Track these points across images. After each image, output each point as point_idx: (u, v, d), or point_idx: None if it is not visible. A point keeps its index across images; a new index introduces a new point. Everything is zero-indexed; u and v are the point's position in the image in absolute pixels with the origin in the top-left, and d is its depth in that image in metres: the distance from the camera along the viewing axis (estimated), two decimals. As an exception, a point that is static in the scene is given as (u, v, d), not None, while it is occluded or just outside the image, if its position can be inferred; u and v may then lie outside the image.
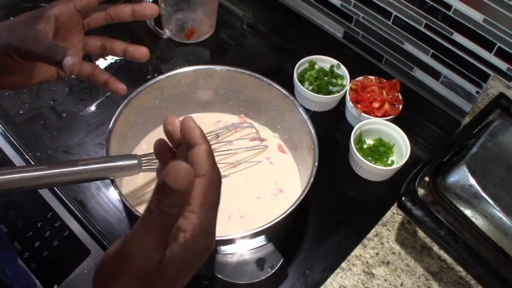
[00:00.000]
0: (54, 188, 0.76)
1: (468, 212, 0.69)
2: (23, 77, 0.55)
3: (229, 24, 1.06)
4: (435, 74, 0.95)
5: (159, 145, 0.46)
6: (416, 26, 0.90)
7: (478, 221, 0.69)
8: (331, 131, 0.90)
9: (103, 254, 0.39)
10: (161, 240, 0.36)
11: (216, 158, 0.78)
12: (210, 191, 0.39)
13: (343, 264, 0.73)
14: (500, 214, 0.67)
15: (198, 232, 0.38)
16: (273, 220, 0.60)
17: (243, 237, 0.59)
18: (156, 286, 0.37)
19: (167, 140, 0.46)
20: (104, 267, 0.38)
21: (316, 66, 0.93)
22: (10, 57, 0.50)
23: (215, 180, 0.40)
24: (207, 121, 0.83)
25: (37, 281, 0.69)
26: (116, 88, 0.60)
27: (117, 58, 0.96)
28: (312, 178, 0.64)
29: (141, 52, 0.59)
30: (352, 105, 0.86)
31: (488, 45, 0.82)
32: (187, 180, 0.35)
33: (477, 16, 0.80)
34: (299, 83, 0.89)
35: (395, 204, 0.78)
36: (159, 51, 1.00)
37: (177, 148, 0.46)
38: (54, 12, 0.52)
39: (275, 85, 0.75)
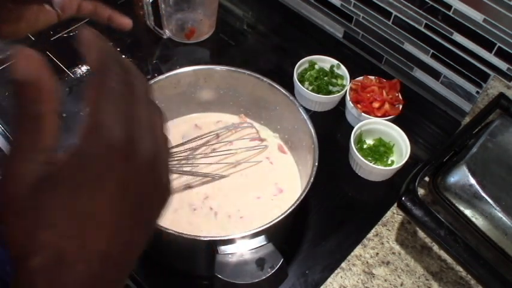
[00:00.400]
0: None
1: (468, 212, 0.69)
2: (23, 24, 0.54)
3: (229, 24, 1.06)
4: (435, 74, 0.95)
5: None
6: (416, 26, 0.90)
7: (478, 221, 0.69)
8: (331, 131, 0.90)
9: None
10: (36, 152, 0.27)
11: (216, 158, 0.79)
12: (105, 82, 0.29)
13: (343, 264, 0.73)
14: (500, 214, 0.67)
15: (93, 130, 0.28)
16: (273, 220, 0.60)
17: (243, 237, 0.59)
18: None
19: None
20: None
21: (316, 66, 0.93)
22: (3, 4, 0.49)
23: (111, 68, 0.29)
24: (207, 121, 0.83)
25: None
26: (121, 23, 0.58)
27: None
28: (312, 178, 0.64)
29: (122, 20, 0.57)
30: (352, 105, 0.86)
31: (488, 45, 0.82)
32: (34, 67, 0.27)
33: (477, 16, 0.80)
34: (299, 83, 0.89)
35: (395, 204, 0.78)
36: (159, 51, 1.00)
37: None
38: None
39: (275, 85, 0.75)
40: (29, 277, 0.26)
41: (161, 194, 0.30)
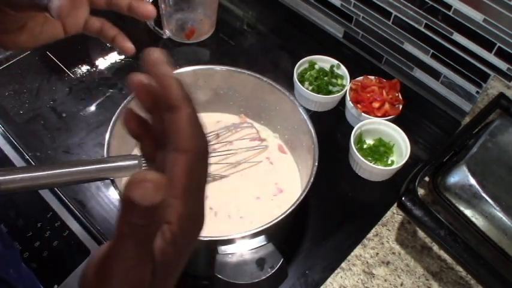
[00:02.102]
0: (54, 188, 0.76)
1: (468, 212, 0.69)
2: (25, 35, 0.53)
3: (229, 24, 1.06)
4: (435, 74, 0.95)
5: (127, 119, 0.36)
6: (416, 26, 0.90)
7: (478, 221, 0.69)
8: (331, 131, 0.90)
9: (88, 260, 0.34)
10: (145, 250, 0.31)
11: (216, 158, 0.79)
12: (196, 170, 0.32)
13: (343, 264, 0.73)
14: (500, 214, 0.67)
15: (186, 221, 0.33)
16: (273, 220, 0.60)
17: (243, 237, 0.59)
18: None
19: (137, 109, 0.36)
20: (90, 275, 0.33)
21: (316, 66, 0.93)
22: (1, 10, 0.47)
23: (201, 155, 0.33)
24: (207, 121, 0.83)
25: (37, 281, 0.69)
26: (123, 46, 0.57)
27: (118, 58, 0.96)
28: (312, 178, 0.64)
29: (145, 9, 0.54)
30: (352, 105, 0.86)
31: (488, 45, 0.82)
32: (160, 195, 0.27)
33: (477, 16, 0.80)
34: (299, 83, 0.89)
35: (395, 204, 0.78)
36: (159, 51, 1.00)
37: (152, 113, 0.36)
38: None
39: (275, 85, 0.74)
40: None
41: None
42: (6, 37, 0.52)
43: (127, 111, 0.36)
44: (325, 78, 0.91)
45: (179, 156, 0.31)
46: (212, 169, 0.76)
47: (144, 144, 0.38)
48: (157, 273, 0.32)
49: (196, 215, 0.35)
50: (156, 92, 0.32)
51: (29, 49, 0.53)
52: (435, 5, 0.85)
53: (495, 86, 0.84)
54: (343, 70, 0.92)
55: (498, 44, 0.81)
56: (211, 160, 0.78)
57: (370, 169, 0.80)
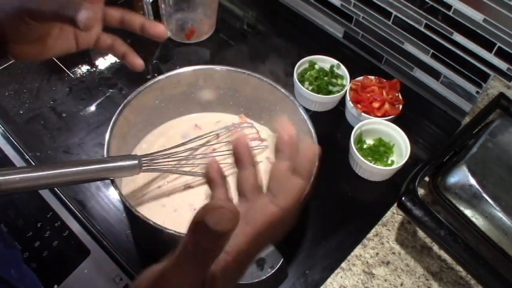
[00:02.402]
0: (54, 188, 0.76)
1: (468, 212, 0.69)
2: (39, 47, 0.53)
3: (229, 24, 1.06)
4: (435, 74, 0.95)
5: (211, 168, 0.44)
6: (416, 26, 0.90)
7: (478, 221, 0.69)
8: (331, 131, 0.90)
9: (135, 282, 0.37)
10: (202, 272, 0.34)
11: (217, 158, 0.79)
12: (278, 224, 0.37)
13: (343, 264, 0.73)
14: (500, 214, 0.67)
15: (241, 257, 0.36)
16: (273, 220, 0.60)
17: (243, 237, 0.59)
18: None
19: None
20: None
21: (316, 66, 0.93)
22: (22, 20, 0.48)
23: (288, 216, 0.38)
24: (207, 121, 0.83)
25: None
26: (133, 63, 0.58)
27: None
28: (312, 178, 0.64)
29: (158, 29, 0.56)
30: (352, 105, 0.86)
31: (488, 45, 0.82)
32: (232, 224, 0.30)
33: (477, 16, 0.80)
34: (299, 83, 0.89)
35: (395, 204, 0.78)
36: (159, 51, 1.00)
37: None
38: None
39: (275, 85, 0.75)
40: None
41: None
42: (20, 48, 0.52)
43: (213, 165, 0.43)
44: (325, 78, 0.91)
45: (272, 207, 0.37)
46: (212, 169, 0.76)
47: (218, 191, 0.44)
48: None
49: (250, 256, 0.36)
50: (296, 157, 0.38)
51: (39, 61, 0.54)
52: (435, 5, 0.85)
53: (495, 86, 0.84)
54: (343, 70, 0.92)
55: (498, 44, 0.81)
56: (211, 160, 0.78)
57: (370, 169, 0.80)
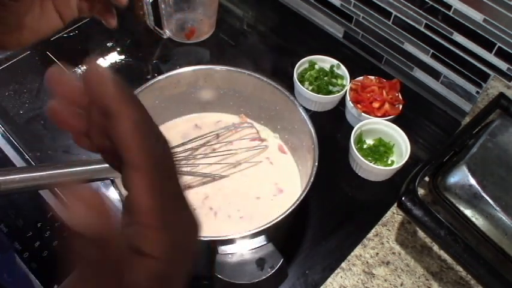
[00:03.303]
0: (54, 188, 0.76)
1: (468, 212, 0.69)
2: (27, 32, 0.53)
3: (229, 24, 1.06)
4: (435, 74, 0.95)
5: (53, 112, 0.28)
6: (416, 26, 0.90)
7: (478, 221, 0.69)
8: (331, 131, 0.90)
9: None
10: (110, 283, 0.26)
11: (216, 158, 0.79)
12: (160, 186, 0.26)
13: (343, 264, 0.73)
14: (500, 214, 0.67)
15: (168, 251, 0.27)
16: (273, 220, 0.60)
17: (243, 237, 0.59)
18: None
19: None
20: None
21: (316, 66, 0.93)
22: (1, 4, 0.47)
23: (162, 167, 0.27)
24: (207, 121, 0.83)
25: (37, 281, 0.69)
26: (105, 20, 0.58)
27: (118, 58, 0.96)
28: (312, 178, 0.64)
29: (109, 20, 0.57)
30: (352, 105, 0.86)
31: (488, 45, 0.82)
32: (108, 220, 0.24)
33: (477, 16, 0.80)
34: (299, 83, 0.89)
35: (395, 204, 0.78)
36: (159, 51, 1.00)
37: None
38: None
39: (275, 85, 0.75)
40: None
41: None
42: (8, 37, 0.52)
43: (52, 108, 0.28)
44: (325, 78, 0.91)
45: (134, 174, 0.26)
46: (212, 169, 0.76)
47: (105, 157, 0.30)
48: None
49: (180, 239, 0.28)
50: (89, 92, 0.26)
51: (30, 45, 0.53)
52: (435, 5, 0.85)
53: (495, 86, 0.84)
54: (343, 70, 0.92)
55: (498, 44, 0.81)
56: (211, 160, 0.78)
57: (370, 169, 0.80)
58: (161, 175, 0.26)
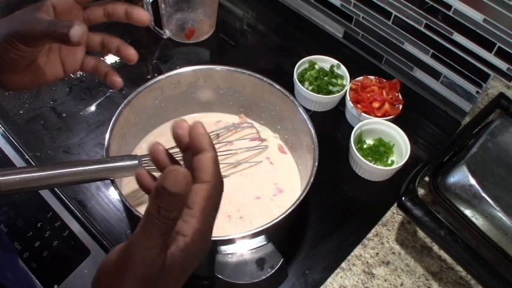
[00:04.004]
0: (54, 188, 0.76)
1: (468, 212, 0.69)
2: (31, 76, 0.54)
3: (229, 24, 1.06)
4: (435, 74, 0.95)
5: (156, 150, 0.45)
6: (416, 26, 0.90)
7: (478, 221, 0.69)
8: (331, 131, 0.90)
9: (103, 259, 0.39)
10: (163, 244, 0.37)
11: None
12: (212, 197, 0.40)
13: (343, 264, 0.73)
14: (500, 214, 0.67)
15: (198, 236, 0.39)
16: (273, 220, 0.60)
17: (243, 237, 0.59)
18: None
19: (164, 145, 0.46)
20: (105, 273, 0.38)
21: (316, 66, 0.93)
22: (12, 47, 0.48)
23: (218, 188, 0.41)
24: (207, 121, 0.83)
25: (37, 281, 0.69)
26: (113, 81, 0.58)
27: (118, 58, 0.96)
28: (312, 178, 0.64)
29: (127, 52, 0.56)
30: (352, 105, 0.86)
31: (488, 45, 0.82)
32: (186, 184, 0.35)
33: (477, 16, 0.80)
34: (299, 83, 0.89)
35: (395, 204, 0.78)
36: (159, 51, 1.00)
37: (182, 152, 0.45)
38: (53, 1, 0.51)
39: (275, 85, 0.75)
40: None
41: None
42: (11, 77, 0.53)
43: (156, 146, 0.45)
44: (325, 78, 0.91)
45: (202, 186, 0.39)
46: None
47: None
48: (165, 273, 0.38)
49: (206, 233, 0.40)
50: (191, 137, 0.42)
51: (28, 89, 0.55)
52: (435, 5, 0.85)
53: (495, 86, 0.84)
54: (343, 70, 0.92)
55: (498, 44, 0.81)
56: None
57: (370, 169, 0.80)
58: (216, 193, 0.40)
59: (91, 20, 0.56)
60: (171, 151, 0.70)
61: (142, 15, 0.54)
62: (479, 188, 0.69)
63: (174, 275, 0.39)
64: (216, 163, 0.41)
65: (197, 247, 0.39)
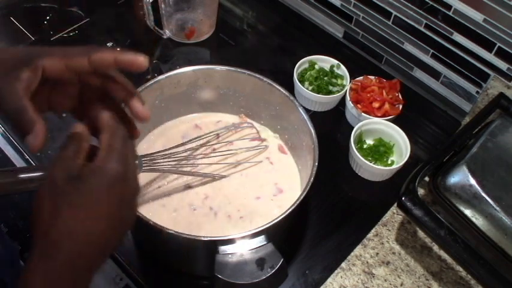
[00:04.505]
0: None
1: (468, 212, 0.69)
2: None
3: (229, 24, 1.06)
4: (435, 74, 0.95)
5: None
6: (416, 26, 0.90)
7: (478, 221, 0.69)
8: (331, 131, 0.90)
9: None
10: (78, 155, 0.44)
11: (216, 158, 0.79)
12: (116, 135, 0.46)
13: (343, 264, 0.73)
14: (500, 214, 0.67)
15: (105, 158, 0.43)
16: (273, 220, 0.60)
17: (243, 237, 0.59)
18: (66, 197, 0.41)
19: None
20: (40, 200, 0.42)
21: (316, 66, 0.93)
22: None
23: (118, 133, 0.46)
24: (207, 121, 0.83)
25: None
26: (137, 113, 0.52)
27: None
28: (312, 178, 0.64)
29: (135, 59, 0.48)
30: (352, 105, 0.86)
31: (488, 45, 0.82)
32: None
33: (477, 16, 0.80)
34: (299, 83, 0.89)
35: (395, 204, 0.78)
36: (159, 51, 1.00)
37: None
38: (44, 64, 0.45)
39: (275, 85, 0.75)
40: (50, 248, 0.40)
41: (136, 207, 0.48)
42: None
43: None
44: (325, 78, 0.91)
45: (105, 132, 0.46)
46: (212, 169, 0.76)
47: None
48: (74, 183, 0.41)
49: (116, 155, 0.44)
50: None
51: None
52: (435, 5, 0.85)
53: (495, 86, 0.84)
54: (343, 70, 0.92)
55: (498, 44, 0.81)
56: (211, 160, 0.78)
57: (370, 169, 0.80)
58: (116, 132, 0.46)
59: (86, 81, 0.50)
60: (171, 151, 0.71)
61: (138, 60, 0.47)
62: (479, 188, 0.69)
63: (87, 188, 0.41)
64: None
65: (107, 166, 0.43)
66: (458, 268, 0.73)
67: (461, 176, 0.70)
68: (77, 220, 0.40)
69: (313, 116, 0.89)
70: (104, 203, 0.42)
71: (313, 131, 0.69)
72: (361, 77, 0.91)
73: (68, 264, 0.40)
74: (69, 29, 1.00)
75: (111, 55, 0.46)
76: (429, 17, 0.87)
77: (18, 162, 0.80)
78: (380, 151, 0.83)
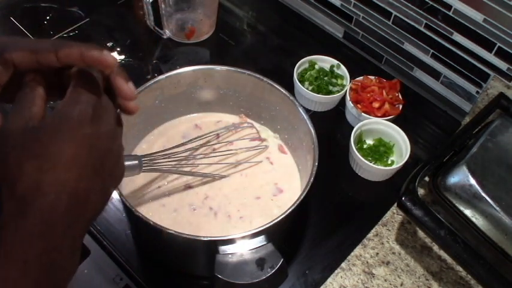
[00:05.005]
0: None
1: (468, 212, 0.69)
2: None
3: (229, 24, 1.06)
4: (435, 74, 0.95)
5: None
6: (416, 26, 0.90)
7: (478, 221, 0.69)
8: (331, 131, 0.90)
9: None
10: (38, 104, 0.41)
11: (216, 158, 0.79)
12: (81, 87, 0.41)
13: (343, 264, 0.73)
14: (500, 214, 0.67)
15: (67, 101, 0.40)
16: (273, 220, 0.60)
17: (243, 237, 0.59)
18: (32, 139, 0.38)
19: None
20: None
21: (316, 66, 0.93)
22: None
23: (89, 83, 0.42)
24: (207, 121, 0.83)
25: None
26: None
27: (117, 58, 0.96)
28: (312, 178, 0.64)
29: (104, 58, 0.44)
30: (352, 105, 0.86)
31: (488, 45, 0.82)
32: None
33: (477, 16, 0.80)
34: (299, 83, 0.89)
35: (395, 204, 0.78)
36: (159, 51, 1.00)
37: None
38: (14, 58, 0.43)
39: (275, 85, 0.75)
40: (18, 204, 0.37)
41: (117, 162, 0.43)
42: None
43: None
44: (325, 78, 0.91)
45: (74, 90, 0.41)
46: (212, 169, 0.76)
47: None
48: (32, 133, 0.38)
49: (75, 99, 0.40)
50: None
51: None
52: (435, 5, 0.85)
53: (495, 86, 0.84)
54: (343, 70, 0.92)
55: (498, 44, 0.81)
56: (211, 160, 0.78)
57: (370, 169, 0.80)
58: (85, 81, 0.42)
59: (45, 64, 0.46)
60: (171, 151, 0.71)
61: (109, 63, 0.44)
62: (479, 188, 0.69)
63: (48, 134, 0.38)
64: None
65: (68, 109, 0.39)
66: (458, 268, 0.73)
67: (461, 176, 0.70)
68: (42, 171, 0.37)
69: (313, 116, 0.89)
70: (69, 149, 0.38)
71: (313, 131, 0.69)
72: (361, 77, 0.91)
73: (40, 219, 0.37)
74: (69, 29, 1.00)
75: (77, 51, 0.43)
76: (429, 17, 0.87)
77: None
78: (380, 151, 0.83)
